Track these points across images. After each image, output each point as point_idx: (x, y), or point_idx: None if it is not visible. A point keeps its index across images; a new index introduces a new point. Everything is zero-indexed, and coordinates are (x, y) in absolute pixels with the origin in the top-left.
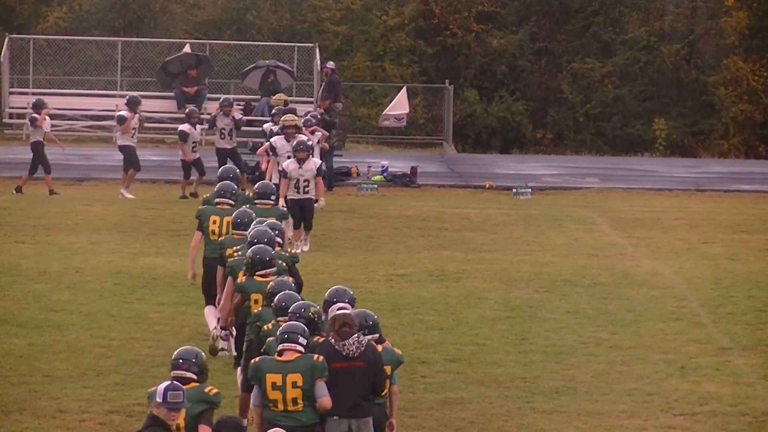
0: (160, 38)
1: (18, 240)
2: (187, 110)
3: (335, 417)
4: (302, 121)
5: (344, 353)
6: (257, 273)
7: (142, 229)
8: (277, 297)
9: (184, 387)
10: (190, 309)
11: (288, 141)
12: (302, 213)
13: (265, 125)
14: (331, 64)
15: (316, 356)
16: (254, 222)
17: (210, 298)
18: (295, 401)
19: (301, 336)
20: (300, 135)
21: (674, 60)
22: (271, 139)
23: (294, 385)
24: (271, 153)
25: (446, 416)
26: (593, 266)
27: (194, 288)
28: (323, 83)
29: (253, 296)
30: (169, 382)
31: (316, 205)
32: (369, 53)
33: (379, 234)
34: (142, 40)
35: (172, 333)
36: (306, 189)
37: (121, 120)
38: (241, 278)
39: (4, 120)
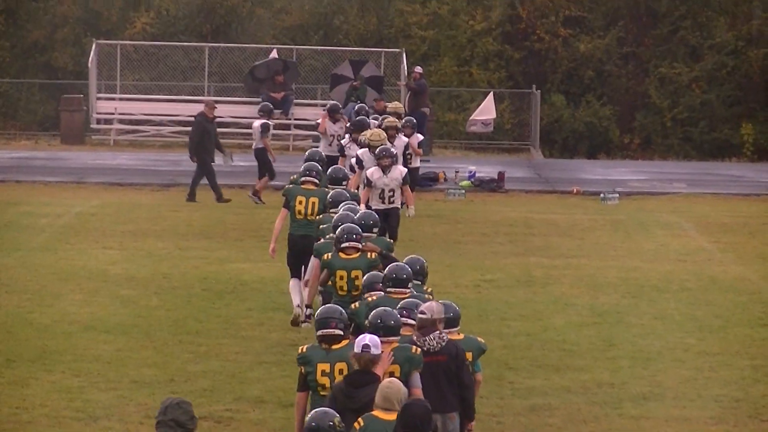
0: (247, 43)
1: (106, 246)
2: (261, 105)
3: None
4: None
5: (425, 348)
6: (342, 249)
7: (229, 235)
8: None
9: (333, 346)
10: (278, 314)
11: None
12: (387, 222)
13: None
14: (419, 69)
15: (414, 348)
16: (344, 204)
17: (295, 272)
18: None
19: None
20: (399, 135)
21: (762, 64)
22: (358, 152)
23: (391, 374)
24: (357, 166)
25: (534, 422)
26: (681, 271)
27: (281, 293)
28: (410, 88)
29: (339, 272)
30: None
31: (406, 213)
32: (456, 58)
33: (467, 239)
34: (229, 45)
35: (259, 338)
36: (392, 199)
37: (266, 128)
38: (328, 256)
39: (91, 125)
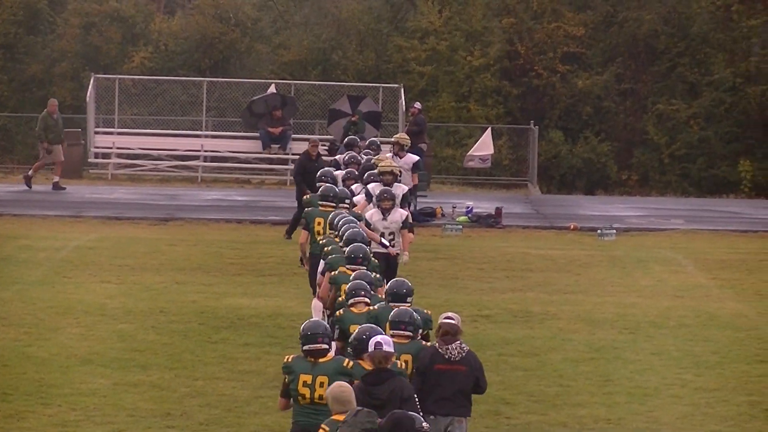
0: (246, 78)
1: (104, 279)
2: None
3: (432, 416)
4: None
5: (446, 356)
6: (349, 267)
7: (227, 270)
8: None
9: (320, 359)
10: (275, 349)
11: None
12: (387, 267)
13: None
14: (418, 105)
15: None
16: (344, 221)
17: (316, 291)
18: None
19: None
20: (398, 209)
21: (760, 101)
22: (368, 186)
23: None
24: (367, 201)
25: None
26: (678, 308)
27: (279, 328)
28: (407, 123)
29: (344, 287)
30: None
31: (400, 260)
32: (454, 94)
33: (464, 275)
34: (228, 80)
35: (257, 373)
36: (392, 243)
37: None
38: (336, 273)
39: (89, 159)
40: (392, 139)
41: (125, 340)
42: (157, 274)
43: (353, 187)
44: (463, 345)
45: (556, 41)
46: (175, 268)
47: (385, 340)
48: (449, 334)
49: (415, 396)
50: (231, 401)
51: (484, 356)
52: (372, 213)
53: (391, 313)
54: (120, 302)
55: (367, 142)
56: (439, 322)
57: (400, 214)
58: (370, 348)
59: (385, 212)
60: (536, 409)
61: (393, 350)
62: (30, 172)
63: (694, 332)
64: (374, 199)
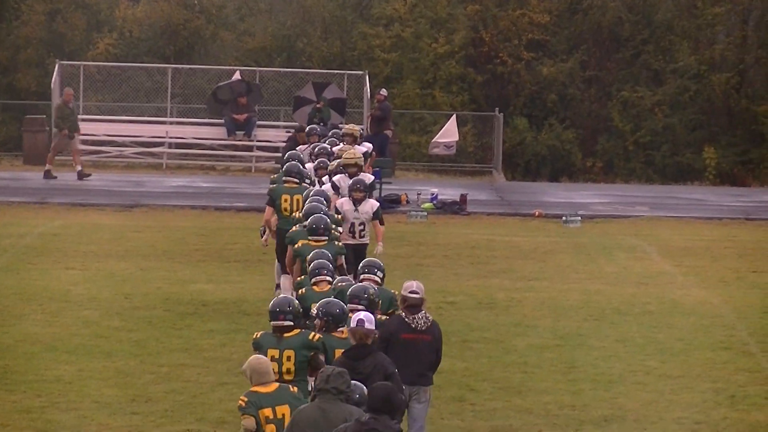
0: (211, 65)
1: (68, 266)
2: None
3: None
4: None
5: (413, 326)
6: (311, 238)
7: (192, 256)
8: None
9: (285, 334)
10: (240, 336)
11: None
12: (356, 259)
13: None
14: (383, 92)
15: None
16: (309, 198)
17: (285, 265)
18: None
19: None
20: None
21: (724, 89)
22: (334, 178)
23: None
24: (335, 193)
25: None
26: (642, 295)
27: (244, 315)
28: (372, 110)
29: (308, 257)
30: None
31: (375, 250)
32: (419, 81)
33: (429, 262)
34: (192, 67)
35: (221, 360)
36: (362, 233)
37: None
38: (299, 245)
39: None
40: (342, 131)
41: (90, 326)
42: (122, 261)
43: (324, 179)
44: (428, 315)
45: (520, 28)
46: (140, 255)
47: (367, 318)
48: (415, 305)
49: (396, 371)
50: (196, 387)
51: (448, 343)
52: (343, 202)
53: (351, 288)
54: (84, 289)
55: (330, 132)
56: (402, 294)
57: (371, 205)
58: (353, 324)
59: (357, 202)
60: (501, 396)
61: (374, 328)
62: (48, 166)
63: (659, 319)
64: (346, 189)
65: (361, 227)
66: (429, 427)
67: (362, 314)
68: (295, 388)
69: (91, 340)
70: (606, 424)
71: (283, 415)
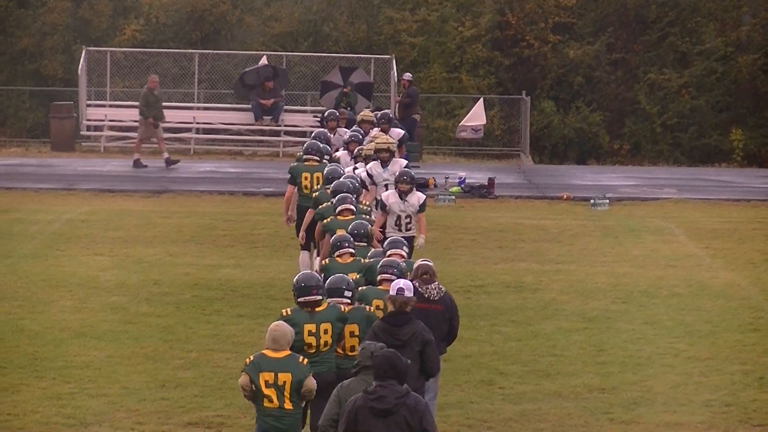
0: (237, 50)
1: (96, 252)
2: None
3: None
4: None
5: (426, 296)
6: (339, 214)
7: (220, 241)
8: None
9: (316, 309)
10: (268, 321)
11: (384, 167)
12: None
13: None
14: (408, 76)
15: (367, 308)
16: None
17: (305, 244)
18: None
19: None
20: (398, 160)
21: (751, 70)
22: (368, 166)
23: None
24: (368, 182)
25: (524, 427)
26: (670, 277)
27: (272, 299)
28: (399, 95)
29: (339, 231)
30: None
31: (416, 243)
32: (445, 64)
33: (456, 245)
34: (219, 52)
35: (250, 345)
36: (408, 226)
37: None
38: (328, 220)
39: (81, 132)
40: (359, 118)
41: (118, 312)
42: (150, 247)
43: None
44: (441, 286)
45: (546, 11)
46: (168, 241)
47: (406, 285)
48: (428, 273)
49: (433, 339)
50: (225, 373)
51: (477, 327)
52: (389, 194)
53: (382, 261)
54: (113, 275)
55: (379, 114)
56: (415, 264)
57: (417, 197)
58: (392, 292)
59: (403, 195)
60: (529, 379)
61: (413, 296)
62: (136, 155)
63: (687, 301)
64: (380, 177)
65: (407, 220)
66: (458, 411)
67: (402, 282)
68: (305, 360)
69: (120, 326)
70: (635, 407)
71: (285, 382)
